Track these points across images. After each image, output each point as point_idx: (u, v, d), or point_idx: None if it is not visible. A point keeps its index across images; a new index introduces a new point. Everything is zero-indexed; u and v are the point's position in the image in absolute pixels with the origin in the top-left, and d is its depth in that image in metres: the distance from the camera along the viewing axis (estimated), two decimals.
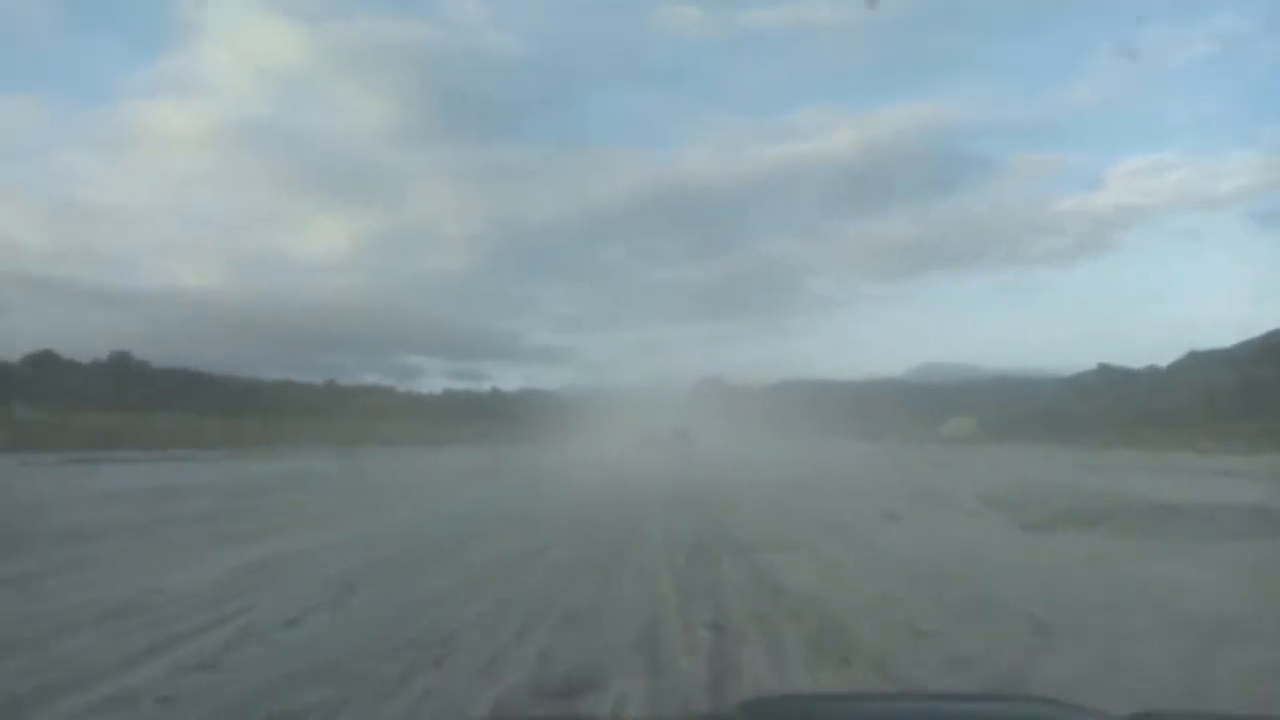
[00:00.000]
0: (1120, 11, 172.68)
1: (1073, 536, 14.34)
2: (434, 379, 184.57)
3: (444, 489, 25.22)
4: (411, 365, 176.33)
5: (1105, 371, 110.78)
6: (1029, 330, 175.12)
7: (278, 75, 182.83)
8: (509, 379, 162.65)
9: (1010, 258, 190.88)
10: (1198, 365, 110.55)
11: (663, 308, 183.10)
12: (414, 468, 38.66)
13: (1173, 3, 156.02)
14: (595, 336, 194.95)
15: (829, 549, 12.74)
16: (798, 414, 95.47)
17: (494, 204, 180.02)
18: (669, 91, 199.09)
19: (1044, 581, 10.12)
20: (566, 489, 25.32)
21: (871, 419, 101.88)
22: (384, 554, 11.57)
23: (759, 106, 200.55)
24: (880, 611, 8.36)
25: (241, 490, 23.26)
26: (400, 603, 8.67)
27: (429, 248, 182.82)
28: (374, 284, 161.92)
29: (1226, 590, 9.76)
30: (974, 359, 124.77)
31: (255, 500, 20.16)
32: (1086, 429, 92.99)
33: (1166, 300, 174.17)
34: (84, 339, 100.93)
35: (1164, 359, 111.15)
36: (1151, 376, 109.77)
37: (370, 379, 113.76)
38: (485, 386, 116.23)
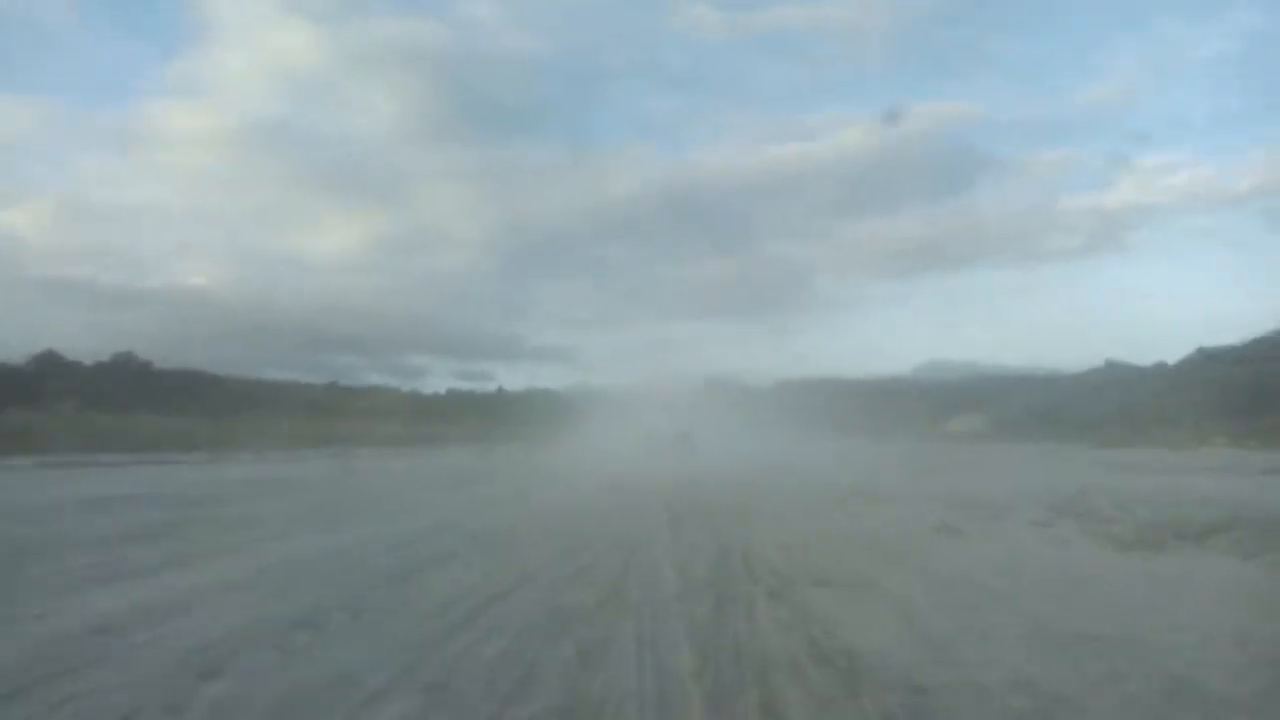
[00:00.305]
0: (1135, 8, 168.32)
1: (1197, 559, 11.02)
2: (440, 379, 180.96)
3: (425, 496, 21.93)
4: (418, 365, 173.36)
5: (1113, 368, 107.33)
6: (1037, 328, 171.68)
7: (290, 76, 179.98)
8: (515, 379, 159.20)
9: (1019, 255, 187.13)
10: (1206, 362, 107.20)
11: (671, 307, 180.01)
12: (403, 471, 35.38)
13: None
14: (602, 336, 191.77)
15: (891, 582, 9.44)
16: (805, 412, 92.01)
17: (503, 204, 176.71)
18: (682, 92, 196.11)
19: (1237, 641, 6.82)
20: (561, 497, 22.05)
21: (879, 417, 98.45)
22: (291, 605, 8.24)
23: (776, 107, 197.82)
24: (1027, 705, 5.06)
25: (195, 500, 19.98)
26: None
27: (438, 248, 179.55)
28: (382, 284, 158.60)
29: None
30: (981, 356, 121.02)
31: (197, 513, 16.88)
32: (1095, 426, 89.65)
33: (1176, 298, 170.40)
34: (91, 339, 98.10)
35: (1172, 356, 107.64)
36: (1159, 374, 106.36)
37: (376, 379, 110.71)
38: (491, 386, 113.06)
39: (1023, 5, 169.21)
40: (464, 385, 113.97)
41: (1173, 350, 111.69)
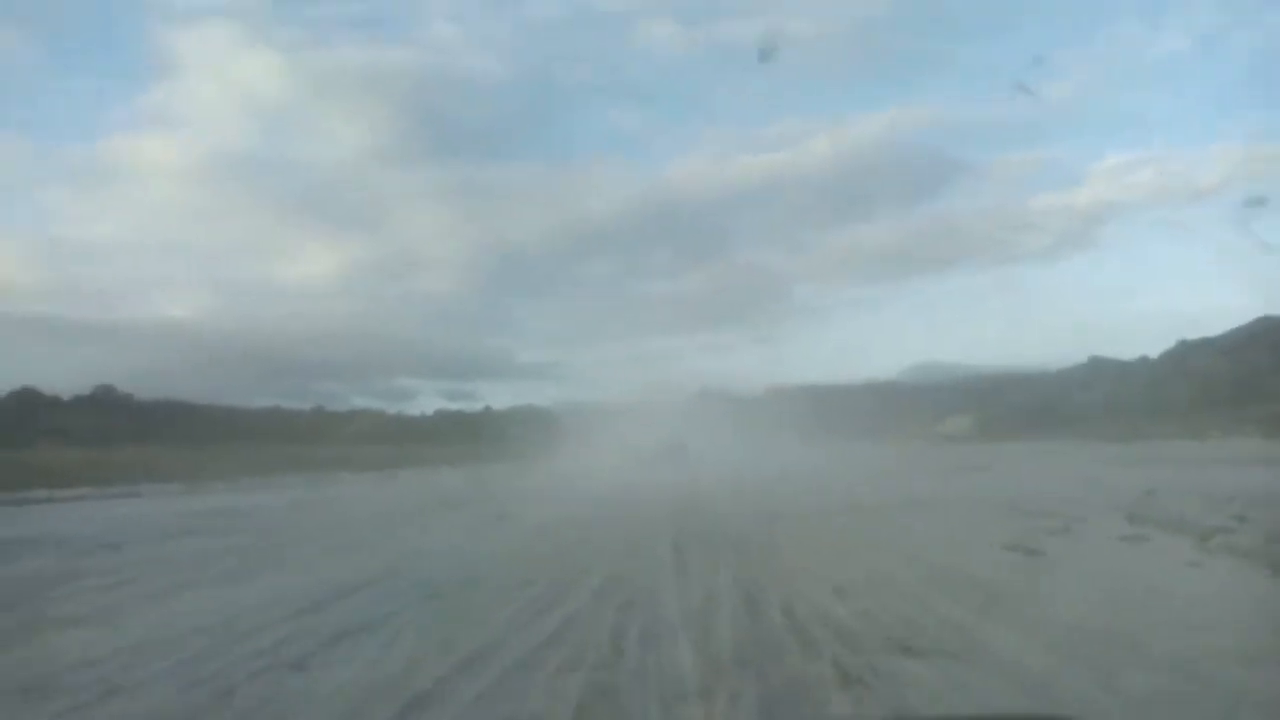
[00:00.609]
0: (1093, 9, 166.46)
1: None
2: (427, 400, 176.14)
3: (388, 528, 18.55)
4: (404, 388, 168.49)
5: (1097, 364, 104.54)
6: (1018, 327, 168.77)
7: (259, 106, 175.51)
8: (502, 397, 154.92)
9: (996, 256, 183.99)
10: (1188, 354, 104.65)
11: (654, 320, 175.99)
12: (376, 497, 31.90)
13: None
14: (588, 351, 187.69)
15: (1004, 644, 6.22)
16: (797, 418, 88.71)
17: (481, 224, 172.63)
18: (650, 106, 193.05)
19: None
20: (544, 524, 18.69)
21: (871, 420, 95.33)
22: None
23: (741, 118, 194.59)
24: None
25: (108, 543, 16.48)
26: None
27: (417, 270, 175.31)
28: (364, 308, 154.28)
29: None
30: (967, 357, 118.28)
31: (86, 563, 13.44)
32: (1085, 422, 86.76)
33: (1153, 291, 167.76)
34: (71, 375, 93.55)
35: (1154, 349, 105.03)
36: (1143, 367, 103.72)
37: (362, 404, 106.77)
38: (478, 406, 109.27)
39: (981, 10, 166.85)
40: (451, 406, 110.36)
41: (1153, 344, 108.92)
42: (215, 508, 26.61)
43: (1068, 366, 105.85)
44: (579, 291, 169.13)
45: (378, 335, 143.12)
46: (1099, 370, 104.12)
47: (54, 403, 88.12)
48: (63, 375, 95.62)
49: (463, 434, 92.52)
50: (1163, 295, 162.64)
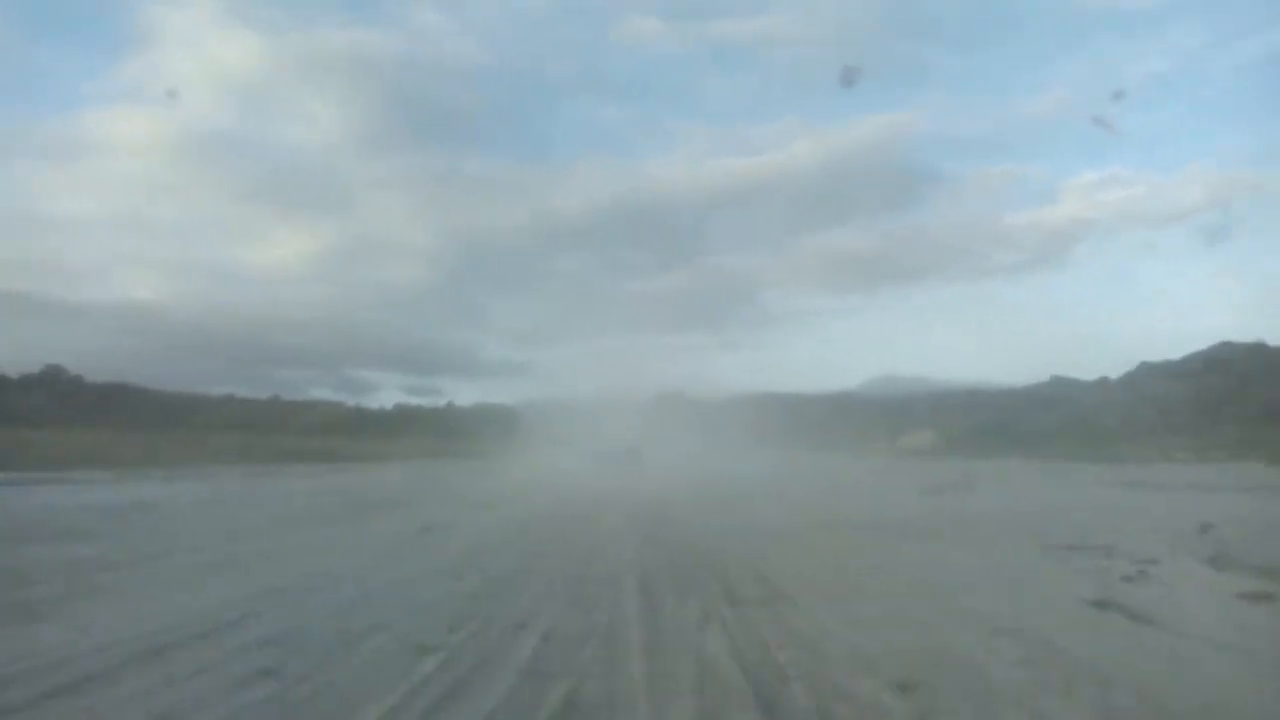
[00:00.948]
0: (1076, 23, 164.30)
1: None
2: (389, 394, 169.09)
3: (290, 539, 15.08)
4: (366, 380, 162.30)
5: (1058, 383, 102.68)
6: (982, 343, 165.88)
7: (235, 85, 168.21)
8: (467, 393, 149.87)
9: (965, 271, 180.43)
10: (1148, 376, 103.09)
11: (623, 320, 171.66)
12: (308, 492, 28.30)
13: (1125, 18, 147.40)
14: (555, 350, 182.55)
15: None
16: (757, 427, 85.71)
17: (453, 215, 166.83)
18: (632, 103, 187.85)
19: None
20: (481, 535, 15.38)
21: (828, 431, 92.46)
22: None
23: (721, 119, 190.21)
24: None
25: None
26: None
27: (386, 260, 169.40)
28: (330, 297, 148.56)
29: None
30: (928, 371, 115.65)
31: None
32: (1046, 441, 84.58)
33: (1117, 313, 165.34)
34: (27, 354, 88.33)
35: (1115, 371, 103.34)
36: (1103, 388, 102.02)
37: (323, 394, 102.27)
38: (441, 401, 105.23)
39: (967, 21, 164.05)
40: (414, 400, 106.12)
41: (1115, 365, 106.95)
42: (122, 501, 22.96)
43: (1029, 384, 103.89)
44: (549, 288, 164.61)
45: (342, 325, 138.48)
46: (1060, 389, 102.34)
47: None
48: (15, 353, 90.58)
49: (422, 429, 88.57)
50: (1126, 316, 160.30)
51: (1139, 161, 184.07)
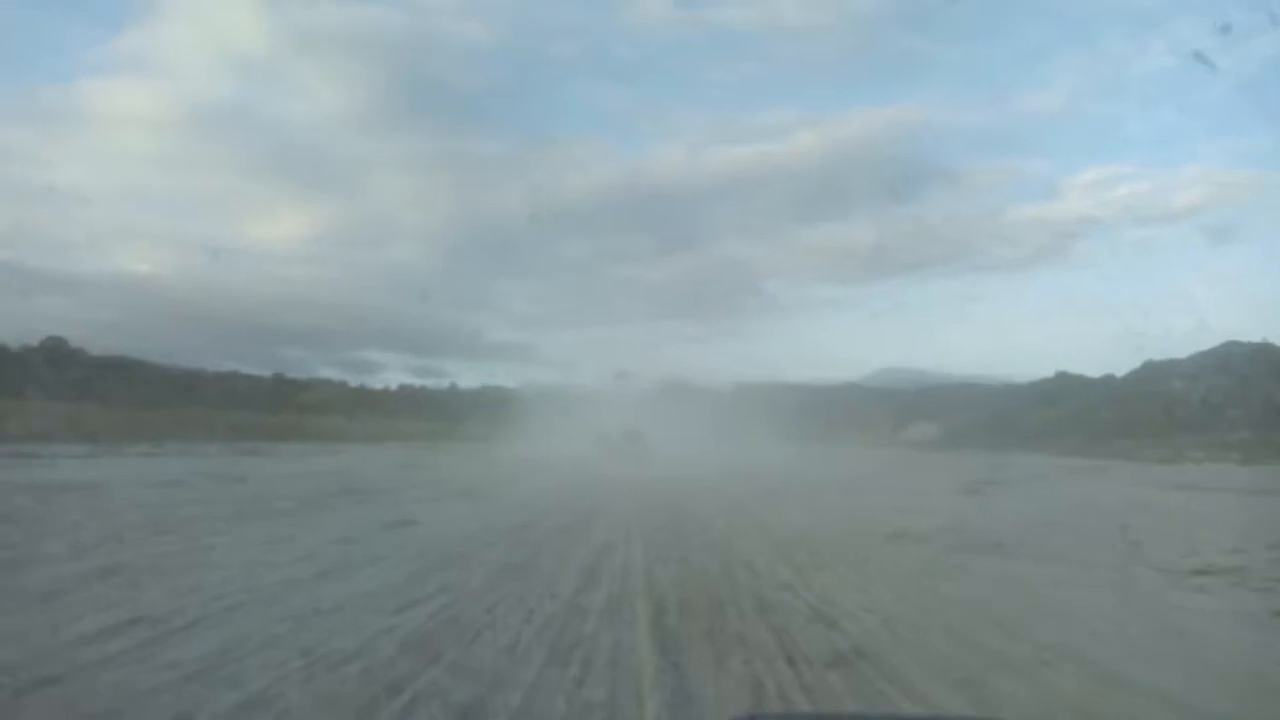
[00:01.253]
0: (1082, 18, 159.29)
1: None
2: (394, 375, 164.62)
3: (244, 533, 12.34)
4: (371, 360, 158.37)
5: (1064, 379, 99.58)
6: (986, 337, 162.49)
7: (237, 58, 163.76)
8: (470, 376, 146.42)
9: (968, 265, 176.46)
10: (1154, 375, 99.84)
11: (626, 306, 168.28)
12: (285, 476, 25.44)
13: (1132, 11, 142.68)
14: (558, 334, 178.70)
15: None
16: (759, 416, 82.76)
17: (458, 196, 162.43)
18: (637, 86, 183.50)
19: None
20: (460, 535, 12.56)
21: (832, 423, 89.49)
22: None
23: (727, 105, 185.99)
24: None
25: None
26: None
27: (391, 240, 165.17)
28: (334, 276, 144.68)
29: None
30: (931, 365, 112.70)
31: None
32: (1052, 437, 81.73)
33: (1123, 310, 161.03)
34: (24, 325, 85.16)
35: (1121, 368, 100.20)
36: (1108, 385, 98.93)
37: (327, 373, 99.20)
38: (444, 383, 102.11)
39: (973, 13, 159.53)
40: (417, 381, 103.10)
41: (1120, 362, 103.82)
42: (68, 479, 20.11)
43: (1034, 380, 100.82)
44: (554, 273, 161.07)
45: (347, 305, 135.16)
46: (1066, 386, 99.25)
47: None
48: (16, 325, 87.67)
49: (424, 411, 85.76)
50: (1132, 314, 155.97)
51: (1144, 158, 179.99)
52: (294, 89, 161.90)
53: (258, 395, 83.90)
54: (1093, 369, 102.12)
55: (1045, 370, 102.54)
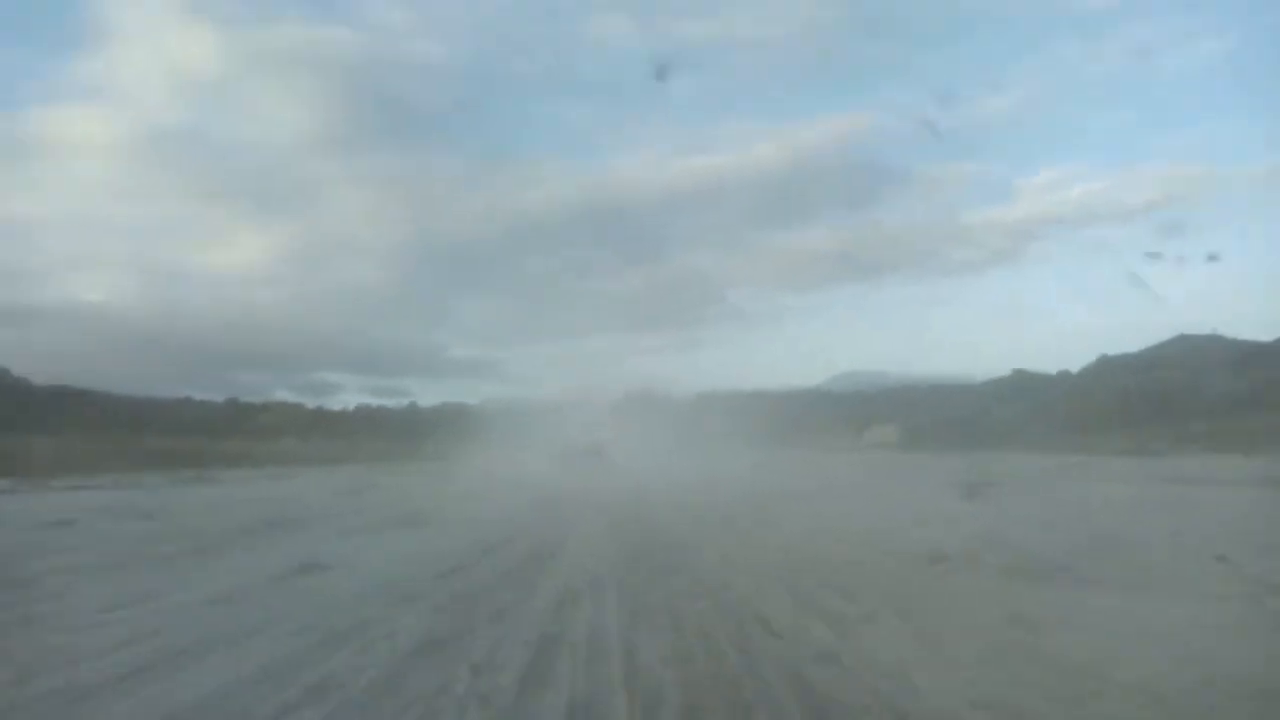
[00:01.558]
0: (1035, 22, 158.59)
1: None
2: (352, 395, 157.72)
3: (134, 582, 9.23)
4: (329, 382, 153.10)
5: (1020, 377, 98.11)
6: (944, 338, 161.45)
7: (191, 82, 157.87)
8: (431, 394, 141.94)
9: (926, 268, 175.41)
10: (1108, 370, 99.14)
11: (588, 320, 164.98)
12: (212, 505, 22.09)
13: (1082, 15, 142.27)
14: (520, 349, 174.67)
15: None
16: (724, 424, 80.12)
17: (416, 215, 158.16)
18: (597, 102, 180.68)
19: None
20: (377, 583, 9.49)
21: (794, 428, 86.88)
22: None
23: (686, 119, 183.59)
24: None
25: None
26: None
27: (348, 260, 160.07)
28: (291, 298, 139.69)
29: None
30: (891, 367, 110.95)
31: None
32: (1012, 434, 79.80)
33: (1077, 308, 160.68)
34: None
35: (1076, 364, 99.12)
36: (1064, 381, 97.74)
37: (284, 396, 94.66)
38: (404, 402, 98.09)
39: (925, 21, 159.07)
40: (377, 401, 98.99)
41: (1075, 359, 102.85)
42: None
43: (991, 379, 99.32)
44: (514, 288, 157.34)
45: (303, 327, 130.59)
46: (1022, 383, 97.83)
47: None
48: None
49: (384, 431, 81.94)
50: (1086, 311, 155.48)
51: (1095, 159, 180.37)
52: (250, 111, 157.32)
53: (212, 421, 79.55)
54: (1049, 366, 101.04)
55: (1003, 369, 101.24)
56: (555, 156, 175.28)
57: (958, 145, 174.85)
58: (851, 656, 5.71)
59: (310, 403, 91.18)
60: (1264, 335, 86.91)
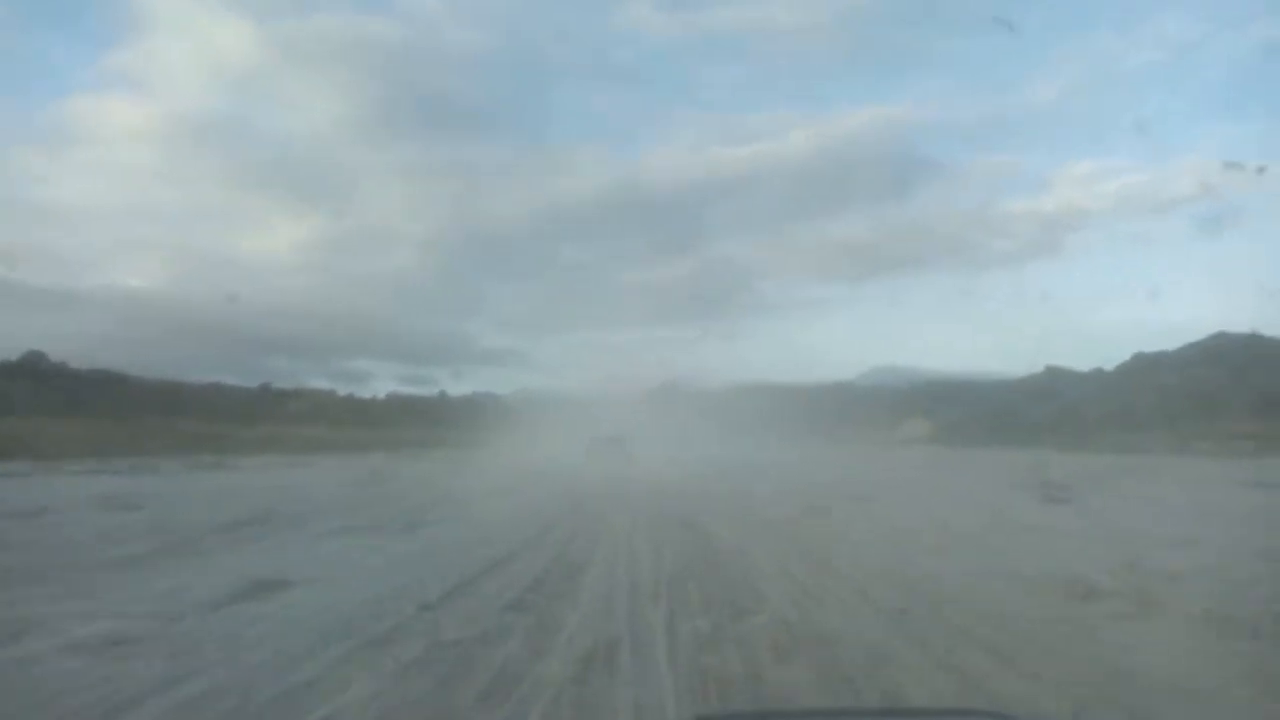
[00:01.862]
0: (1072, 16, 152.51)
1: None
2: (384, 383, 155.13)
3: (60, 599, 6.70)
4: (361, 370, 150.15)
5: (1053, 374, 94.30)
6: (977, 334, 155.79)
7: (230, 71, 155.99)
8: (462, 383, 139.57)
9: (960, 261, 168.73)
10: (1144, 368, 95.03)
11: (619, 311, 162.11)
12: (215, 496, 19.69)
13: (1122, 4, 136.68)
14: (551, 340, 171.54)
15: None
16: (755, 418, 77.24)
17: (451, 204, 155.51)
18: (630, 91, 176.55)
19: None
20: (374, 597, 6.96)
21: (828, 423, 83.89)
22: None
23: (720, 107, 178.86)
24: None
25: None
26: None
27: (383, 248, 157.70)
28: (325, 285, 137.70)
29: None
30: (924, 362, 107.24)
31: None
32: (1042, 431, 76.38)
33: (1112, 303, 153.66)
34: (14, 341, 78.95)
35: (1110, 362, 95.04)
36: (1098, 379, 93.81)
37: (317, 383, 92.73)
38: (434, 391, 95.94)
39: (963, 10, 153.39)
40: (408, 390, 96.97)
41: (1110, 355, 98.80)
42: None
43: (1024, 375, 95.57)
44: (546, 278, 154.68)
45: (337, 314, 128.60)
46: (1055, 380, 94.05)
47: None
48: (7, 341, 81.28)
49: (412, 420, 79.82)
50: (1120, 306, 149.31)
51: (1134, 151, 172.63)
52: (288, 100, 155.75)
53: (243, 406, 77.78)
54: (1082, 363, 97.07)
55: (1035, 365, 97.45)
56: (590, 145, 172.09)
57: (994, 135, 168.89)
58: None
59: (342, 390, 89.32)
60: None
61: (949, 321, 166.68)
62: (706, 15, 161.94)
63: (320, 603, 7.19)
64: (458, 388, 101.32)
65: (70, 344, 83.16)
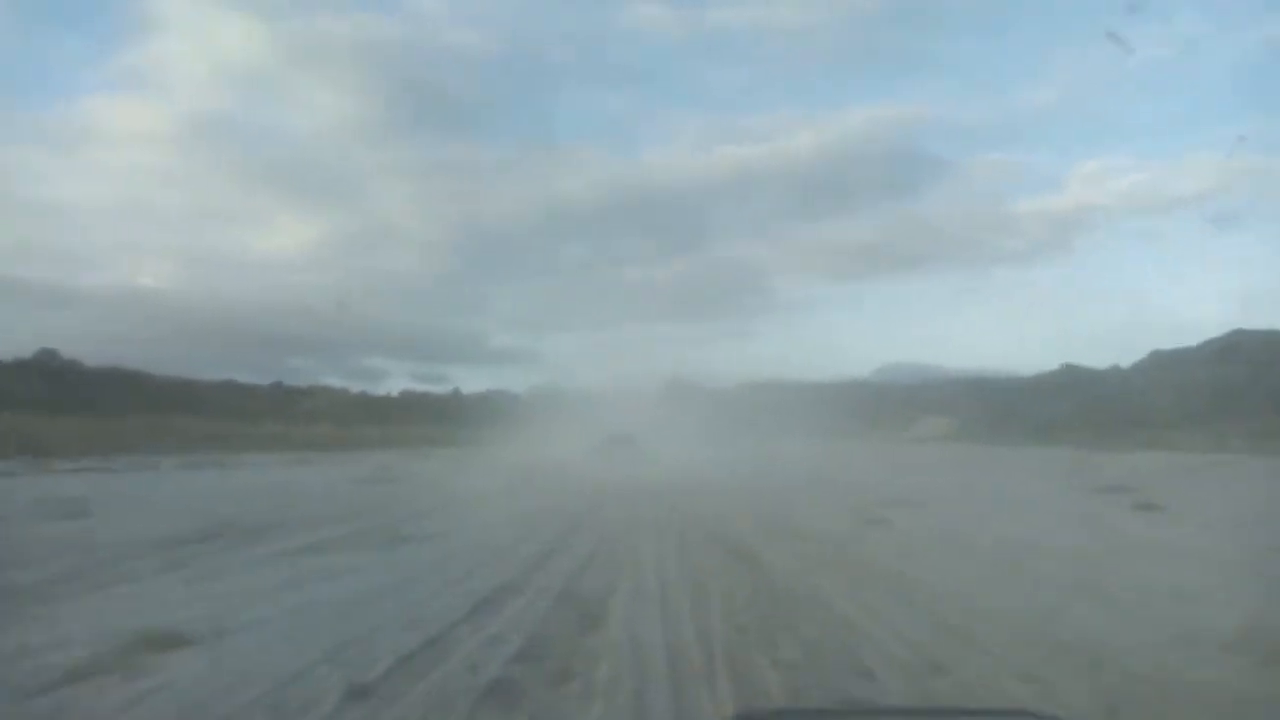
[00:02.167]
0: (1082, 12, 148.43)
1: None
2: (397, 381, 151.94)
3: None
4: (374, 368, 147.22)
5: (1069, 371, 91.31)
6: (990, 331, 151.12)
7: (235, 71, 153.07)
8: (474, 381, 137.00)
9: (971, 259, 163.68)
10: (1160, 365, 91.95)
11: (631, 308, 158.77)
12: (202, 497, 17.26)
13: (1129, 4, 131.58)
14: (563, 337, 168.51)
15: None
16: (768, 415, 74.50)
17: (459, 202, 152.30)
18: (635, 90, 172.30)
19: None
20: (312, 661, 4.28)
21: (841, 419, 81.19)
22: None
23: (725, 106, 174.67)
24: None
25: None
26: None
27: (393, 247, 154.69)
28: (336, 284, 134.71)
29: None
30: (937, 359, 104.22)
31: None
32: (1060, 429, 73.60)
33: (1127, 301, 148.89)
34: (27, 339, 76.95)
35: (1126, 359, 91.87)
36: (1115, 376, 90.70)
37: (330, 381, 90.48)
38: (447, 389, 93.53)
39: (969, 7, 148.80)
40: (421, 388, 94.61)
41: (1126, 353, 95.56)
42: None
43: (1040, 372, 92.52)
44: (558, 276, 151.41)
45: (350, 313, 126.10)
46: (1071, 378, 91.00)
47: None
48: (19, 339, 79.37)
49: (425, 417, 77.53)
50: (1135, 304, 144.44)
51: (1145, 148, 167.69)
52: (293, 100, 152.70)
53: (255, 404, 75.69)
54: (1098, 360, 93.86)
55: (1049, 363, 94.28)
56: (595, 144, 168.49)
57: (1002, 134, 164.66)
58: None
59: (354, 388, 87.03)
60: None
61: (961, 319, 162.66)
62: (709, 14, 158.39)
63: (209, 680, 4.69)
64: (472, 385, 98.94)
65: (82, 342, 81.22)
